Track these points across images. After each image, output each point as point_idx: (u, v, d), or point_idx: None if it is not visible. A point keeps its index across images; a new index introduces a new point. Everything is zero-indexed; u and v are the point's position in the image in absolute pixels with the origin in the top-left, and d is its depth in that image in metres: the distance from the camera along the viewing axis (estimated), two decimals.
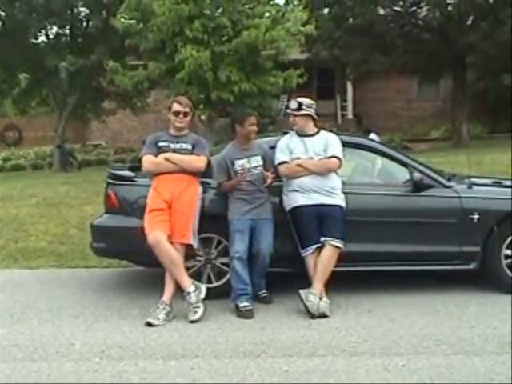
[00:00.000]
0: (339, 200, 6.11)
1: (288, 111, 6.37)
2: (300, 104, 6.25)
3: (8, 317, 5.99)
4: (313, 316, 5.67)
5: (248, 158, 6.13)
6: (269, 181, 6.05)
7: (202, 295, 5.84)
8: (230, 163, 6.12)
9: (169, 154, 6.03)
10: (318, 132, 6.31)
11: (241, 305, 5.92)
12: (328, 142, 6.19)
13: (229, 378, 4.42)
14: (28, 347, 5.12)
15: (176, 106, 6.16)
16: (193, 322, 5.66)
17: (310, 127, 6.29)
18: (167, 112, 6.24)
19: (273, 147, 6.34)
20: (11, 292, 6.90)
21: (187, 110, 6.20)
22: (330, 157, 6.11)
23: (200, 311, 5.74)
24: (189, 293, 5.80)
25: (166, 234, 5.84)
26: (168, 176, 6.02)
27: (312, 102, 6.36)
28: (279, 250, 6.16)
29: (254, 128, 6.15)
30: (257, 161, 6.14)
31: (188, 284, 5.84)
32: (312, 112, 6.28)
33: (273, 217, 6.15)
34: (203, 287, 5.92)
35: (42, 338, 5.33)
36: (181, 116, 6.15)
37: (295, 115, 6.26)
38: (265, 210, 6.11)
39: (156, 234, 5.82)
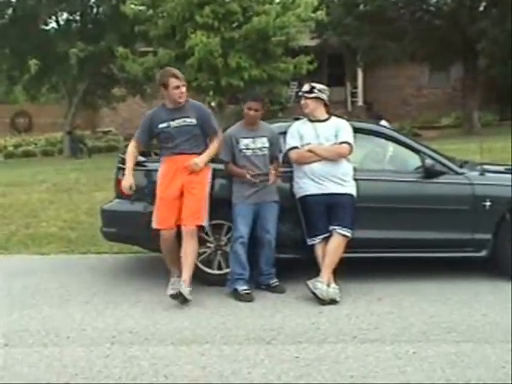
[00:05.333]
0: (350, 188, 6.08)
1: (300, 93, 6.35)
2: (312, 87, 6.22)
3: (19, 302, 6.01)
4: (323, 302, 5.67)
5: (254, 139, 6.07)
6: (272, 178, 6.04)
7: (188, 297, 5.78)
8: (235, 141, 6.07)
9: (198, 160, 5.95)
10: (329, 118, 6.27)
11: (240, 288, 5.94)
12: (339, 128, 6.16)
13: (239, 365, 4.43)
14: (39, 332, 5.15)
15: (175, 82, 5.96)
16: (172, 296, 5.75)
17: (321, 112, 6.25)
18: (162, 89, 6.03)
19: (283, 133, 6.32)
20: (22, 278, 6.92)
21: (184, 82, 6.06)
22: (341, 142, 6.08)
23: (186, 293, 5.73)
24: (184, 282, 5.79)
25: (174, 226, 5.89)
26: (176, 158, 5.97)
27: (325, 87, 6.32)
28: (290, 236, 6.16)
29: (250, 112, 6.06)
30: (262, 142, 6.09)
31: (188, 279, 5.83)
32: (323, 97, 6.23)
33: (282, 202, 6.14)
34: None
35: (53, 324, 5.36)
36: (182, 89, 5.99)
37: (306, 97, 6.22)
38: (269, 192, 6.08)
39: (163, 235, 5.92)
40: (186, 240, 5.88)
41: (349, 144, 6.09)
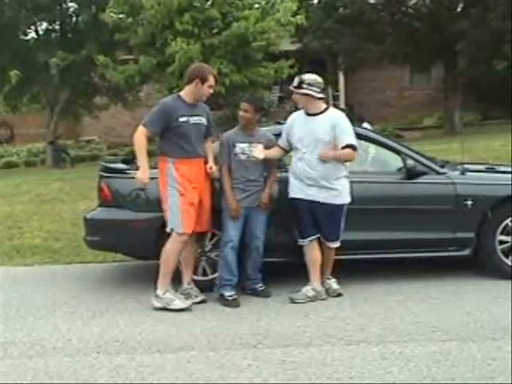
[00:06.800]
0: (335, 197, 5.90)
1: (290, 87, 6.03)
2: (301, 82, 5.87)
3: (4, 314, 5.98)
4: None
5: (250, 144, 6.04)
6: (268, 188, 6.09)
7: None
8: (232, 145, 6.05)
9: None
10: (324, 111, 5.95)
11: (226, 294, 5.95)
12: (336, 125, 5.83)
13: (226, 370, 4.42)
14: (24, 344, 5.12)
15: (212, 82, 5.89)
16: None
17: (314, 106, 5.91)
18: (197, 82, 5.82)
19: (279, 134, 6.24)
20: (6, 289, 6.88)
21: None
22: (344, 147, 5.81)
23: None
24: (189, 284, 6.06)
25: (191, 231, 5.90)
26: (193, 161, 5.86)
27: (316, 78, 5.94)
28: (274, 239, 6.17)
29: (239, 112, 6.08)
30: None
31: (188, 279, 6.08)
32: (313, 92, 5.84)
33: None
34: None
35: (39, 335, 5.33)
36: (211, 91, 5.93)
37: (295, 92, 5.94)
38: (260, 197, 6.06)
39: (184, 239, 5.82)
40: (191, 244, 6.01)
41: (352, 147, 5.86)
